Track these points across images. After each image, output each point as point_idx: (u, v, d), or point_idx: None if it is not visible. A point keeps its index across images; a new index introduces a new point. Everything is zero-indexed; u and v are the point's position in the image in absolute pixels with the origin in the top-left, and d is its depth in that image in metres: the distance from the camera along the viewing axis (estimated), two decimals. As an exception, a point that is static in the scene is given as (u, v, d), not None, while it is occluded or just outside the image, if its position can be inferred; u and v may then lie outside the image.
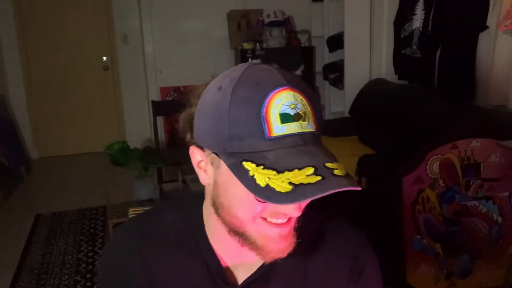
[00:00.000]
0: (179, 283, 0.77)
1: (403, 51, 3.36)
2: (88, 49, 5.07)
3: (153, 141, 3.87)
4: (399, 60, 3.46)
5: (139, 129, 5.10)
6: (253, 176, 0.60)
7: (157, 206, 0.88)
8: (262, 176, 0.60)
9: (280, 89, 0.64)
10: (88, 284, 2.62)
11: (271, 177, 0.60)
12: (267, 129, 0.62)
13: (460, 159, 2.16)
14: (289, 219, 0.68)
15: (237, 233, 0.69)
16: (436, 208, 2.18)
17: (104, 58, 5.14)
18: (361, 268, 0.80)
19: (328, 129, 3.51)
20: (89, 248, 3.04)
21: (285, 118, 0.62)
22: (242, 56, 4.56)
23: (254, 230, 0.68)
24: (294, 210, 0.65)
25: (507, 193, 2.23)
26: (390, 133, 3.05)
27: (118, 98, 5.21)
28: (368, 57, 3.90)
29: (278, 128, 0.62)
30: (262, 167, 0.61)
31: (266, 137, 0.62)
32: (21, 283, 2.66)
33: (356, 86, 3.70)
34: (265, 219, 0.67)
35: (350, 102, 3.72)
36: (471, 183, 2.19)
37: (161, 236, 0.79)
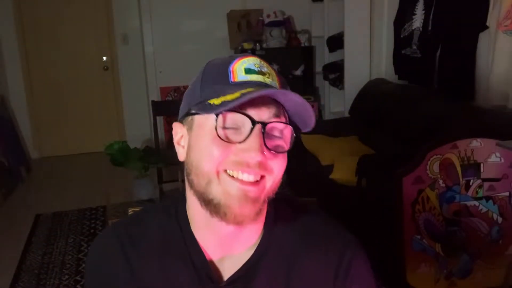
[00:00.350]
0: (165, 282, 0.77)
1: (403, 51, 3.36)
2: (88, 49, 5.07)
3: (153, 141, 3.86)
4: (399, 60, 3.46)
5: (139, 129, 5.10)
6: (212, 103, 0.68)
7: (140, 210, 0.88)
8: (219, 100, 0.67)
9: (249, 55, 0.74)
10: (88, 284, 2.62)
11: (227, 97, 0.67)
12: (231, 76, 0.70)
13: (460, 159, 2.16)
14: (257, 182, 0.69)
15: (205, 199, 0.70)
16: (436, 208, 2.18)
17: (104, 58, 5.14)
18: (349, 264, 0.79)
19: (328, 129, 3.52)
20: (89, 248, 3.04)
21: (249, 71, 0.71)
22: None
23: (219, 189, 0.69)
24: (255, 154, 0.66)
25: (507, 193, 2.23)
26: (390, 133, 3.05)
27: (118, 98, 5.21)
28: (368, 57, 3.90)
29: (241, 76, 0.70)
30: (221, 96, 0.68)
31: (230, 82, 0.70)
32: (21, 283, 2.66)
33: (356, 86, 3.70)
34: (231, 176, 0.68)
35: (350, 102, 3.72)
36: (471, 183, 2.19)
37: (146, 237, 0.79)
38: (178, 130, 0.76)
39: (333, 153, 3.04)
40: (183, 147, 0.75)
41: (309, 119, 0.71)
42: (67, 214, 3.58)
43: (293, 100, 0.69)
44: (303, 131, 0.73)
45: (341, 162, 2.89)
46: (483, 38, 2.64)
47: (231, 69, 0.71)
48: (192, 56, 4.84)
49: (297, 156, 3.26)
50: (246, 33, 4.73)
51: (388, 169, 2.24)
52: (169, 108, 4.26)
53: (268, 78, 0.71)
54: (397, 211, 2.18)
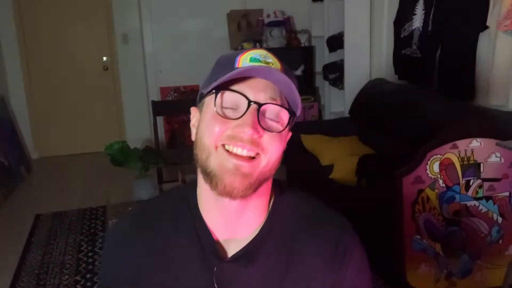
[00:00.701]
0: (174, 259, 0.82)
1: (403, 51, 3.36)
2: (88, 49, 5.07)
3: (153, 141, 3.87)
4: (399, 60, 3.45)
5: (139, 129, 5.10)
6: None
7: (155, 196, 0.94)
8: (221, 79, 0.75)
9: (259, 49, 0.81)
10: (88, 284, 2.62)
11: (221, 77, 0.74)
12: (237, 64, 0.77)
13: (460, 159, 2.16)
14: (251, 159, 0.74)
15: (205, 172, 0.76)
16: (436, 208, 2.18)
17: (104, 58, 5.14)
18: (344, 249, 0.83)
19: (328, 129, 3.52)
20: (89, 248, 3.04)
21: (253, 59, 0.77)
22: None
23: (216, 161, 0.75)
24: (248, 129, 0.72)
25: (507, 193, 2.23)
26: (390, 133, 3.05)
27: (118, 98, 5.21)
28: (368, 57, 3.90)
29: (245, 64, 0.76)
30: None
31: (235, 68, 0.76)
32: (21, 283, 2.66)
33: (356, 86, 3.70)
34: (228, 151, 0.74)
35: (350, 102, 3.72)
36: (471, 183, 2.19)
37: (158, 218, 0.85)
38: (194, 114, 0.84)
39: (333, 153, 3.04)
40: (196, 128, 0.82)
41: (296, 98, 0.77)
42: (67, 214, 3.58)
43: (279, 79, 0.75)
44: (297, 114, 0.79)
45: (341, 162, 2.89)
46: (483, 38, 2.64)
47: (238, 58, 0.78)
48: (192, 56, 4.85)
49: (297, 156, 3.26)
50: (246, 33, 4.74)
51: (388, 169, 2.24)
52: (169, 108, 4.27)
53: (271, 66, 0.76)
54: (397, 211, 2.18)
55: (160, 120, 4.60)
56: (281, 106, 0.76)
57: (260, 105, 0.74)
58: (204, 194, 0.81)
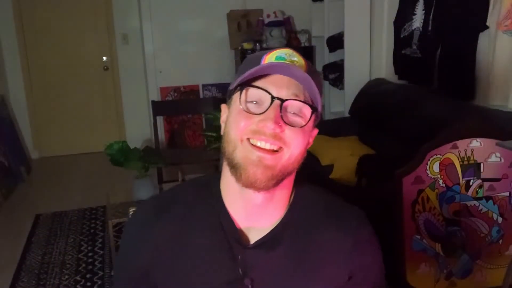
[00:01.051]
0: (197, 243, 0.85)
1: (403, 51, 3.36)
2: (88, 49, 5.07)
3: (153, 141, 3.87)
4: (399, 60, 3.45)
5: (139, 129, 5.10)
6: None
7: (178, 183, 0.97)
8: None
9: (285, 48, 0.84)
10: (88, 284, 2.62)
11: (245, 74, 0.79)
12: (262, 62, 0.80)
13: (460, 159, 2.16)
14: (274, 152, 0.78)
15: (231, 163, 0.80)
16: (436, 208, 2.18)
17: (104, 58, 5.14)
18: (361, 242, 0.89)
19: (328, 129, 3.51)
20: (89, 248, 3.04)
21: (279, 58, 0.80)
22: (242, 56, 4.55)
23: (241, 153, 0.78)
24: (270, 123, 0.76)
25: (507, 193, 2.23)
26: (390, 133, 3.05)
27: (118, 98, 5.21)
28: (368, 57, 3.90)
29: (270, 62, 0.80)
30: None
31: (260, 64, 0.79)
32: (21, 283, 2.66)
33: (356, 86, 3.69)
34: (252, 145, 0.78)
35: (350, 102, 3.72)
36: (471, 183, 2.19)
37: (179, 202, 0.88)
38: (224, 110, 0.88)
39: (333, 153, 3.04)
40: (224, 123, 0.86)
41: (316, 94, 0.80)
42: (67, 214, 3.58)
43: (298, 76, 0.78)
44: (319, 109, 0.83)
45: (341, 162, 2.89)
46: (483, 38, 2.64)
47: (264, 57, 0.82)
48: (192, 56, 4.84)
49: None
50: (246, 33, 4.73)
51: (388, 169, 2.24)
52: (169, 108, 4.26)
53: (295, 65, 0.80)
54: (397, 211, 2.18)
55: (160, 120, 4.60)
56: (303, 102, 0.79)
57: (282, 100, 0.77)
58: (229, 186, 0.84)
